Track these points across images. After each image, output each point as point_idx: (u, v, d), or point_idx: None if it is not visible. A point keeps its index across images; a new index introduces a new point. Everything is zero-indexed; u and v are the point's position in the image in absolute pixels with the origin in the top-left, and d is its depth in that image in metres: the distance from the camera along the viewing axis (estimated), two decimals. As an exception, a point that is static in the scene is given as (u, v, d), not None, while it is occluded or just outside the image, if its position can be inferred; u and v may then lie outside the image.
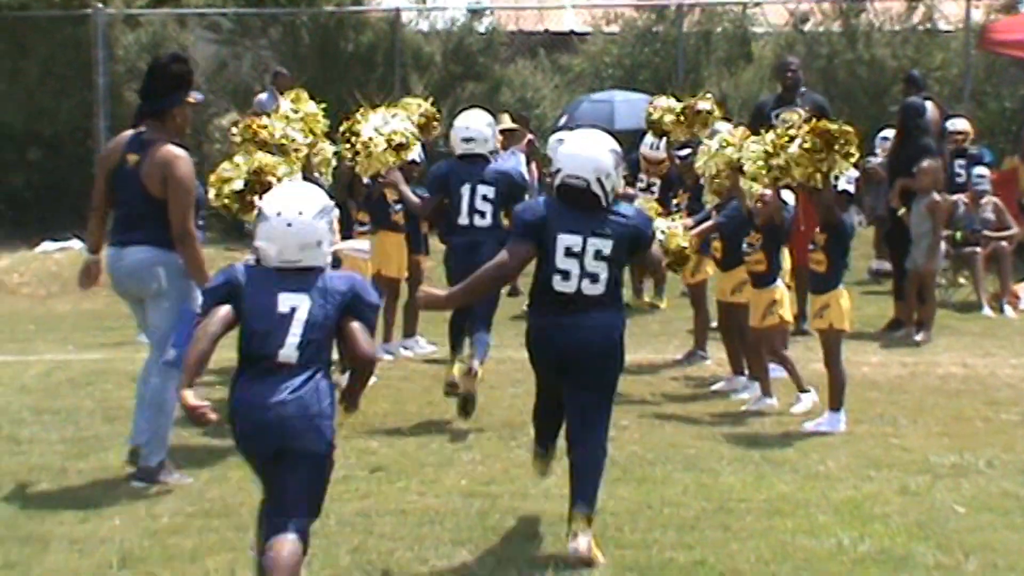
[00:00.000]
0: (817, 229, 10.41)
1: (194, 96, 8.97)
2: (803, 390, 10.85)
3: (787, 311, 10.96)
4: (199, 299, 8.19)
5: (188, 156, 8.63)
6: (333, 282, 6.06)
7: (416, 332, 13.74)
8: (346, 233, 11.94)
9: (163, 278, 8.59)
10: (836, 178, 10.22)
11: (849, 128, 9.95)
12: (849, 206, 10.92)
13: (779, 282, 10.98)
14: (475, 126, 10.93)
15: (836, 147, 9.82)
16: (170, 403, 8.48)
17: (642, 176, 15.59)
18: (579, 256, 7.03)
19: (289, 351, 5.92)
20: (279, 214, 5.98)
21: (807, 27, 23.26)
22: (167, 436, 8.69)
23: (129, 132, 8.81)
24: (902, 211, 14.76)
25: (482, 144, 10.89)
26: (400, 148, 10.96)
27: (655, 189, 16.00)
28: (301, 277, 6.00)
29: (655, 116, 12.79)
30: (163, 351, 8.55)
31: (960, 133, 17.03)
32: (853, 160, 10.07)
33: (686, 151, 12.91)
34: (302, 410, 5.89)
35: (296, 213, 5.98)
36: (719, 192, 11.32)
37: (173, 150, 8.57)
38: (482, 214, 10.64)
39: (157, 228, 8.55)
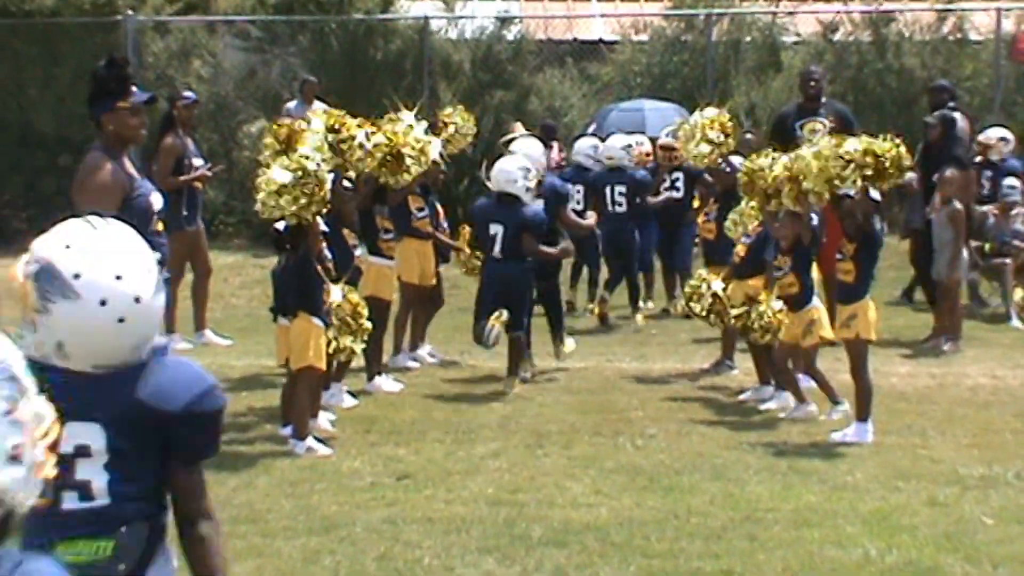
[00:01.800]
0: (844, 239, 10.39)
1: (129, 100, 8.09)
2: (836, 402, 10.83)
3: (827, 330, 10.88)
4: None
5: (107, 168, 7.92)
6: None
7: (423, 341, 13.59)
8: (371, 241, 11.94)
9: None
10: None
11: (900, 152, 10.06)
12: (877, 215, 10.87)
13: (815, 300, 10.97)
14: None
15: (889, 170, 9.99)
16: None
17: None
18: None
19: None
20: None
21: (837, 36, 23.20)
22: None
23: None
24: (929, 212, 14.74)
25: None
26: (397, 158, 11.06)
27: (679, 185, 16.14)
28: None
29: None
30: None
31: (981, 144, 16.97)
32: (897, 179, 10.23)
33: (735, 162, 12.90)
34: None
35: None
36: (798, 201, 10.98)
37: (88, 160, 8.08)
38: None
39: None
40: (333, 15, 23.02)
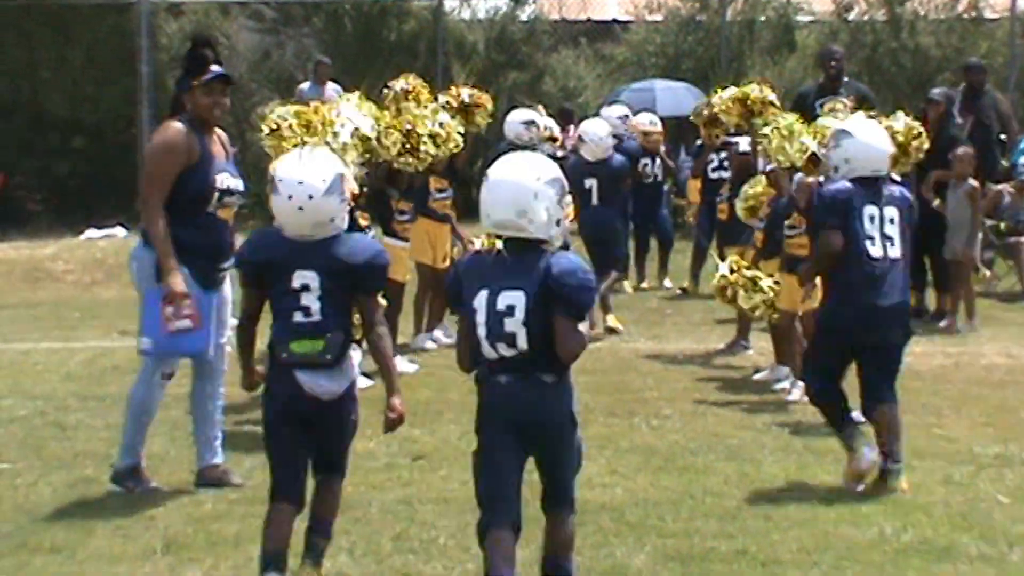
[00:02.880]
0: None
1: (202, 78, 8.13)
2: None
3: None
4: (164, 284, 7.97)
5: (177, 129, 8.08)
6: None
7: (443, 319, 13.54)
8: (386, 222, 11.93)
9: (134, 274, 8.20)
10: None
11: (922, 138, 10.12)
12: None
13: None
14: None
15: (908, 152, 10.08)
16: (138, 405, 8.25)
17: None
18: None
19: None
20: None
21: (851, 16, 23.16)
22: (134, 438, 8.31)
23: None
24: (936, 202, 14.61)
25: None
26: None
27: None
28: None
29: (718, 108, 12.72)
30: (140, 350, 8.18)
31: None
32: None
33: (741, 142, 12.87)
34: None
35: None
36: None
37: (164, 124, 8.25)
38: None
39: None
40: (347, -5, 23.04)
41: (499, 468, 5.95)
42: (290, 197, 6.13)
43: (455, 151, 11.51)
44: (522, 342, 5.77)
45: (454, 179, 13.24)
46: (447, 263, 13.08)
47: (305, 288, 6.19)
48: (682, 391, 11.14)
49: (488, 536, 5.90)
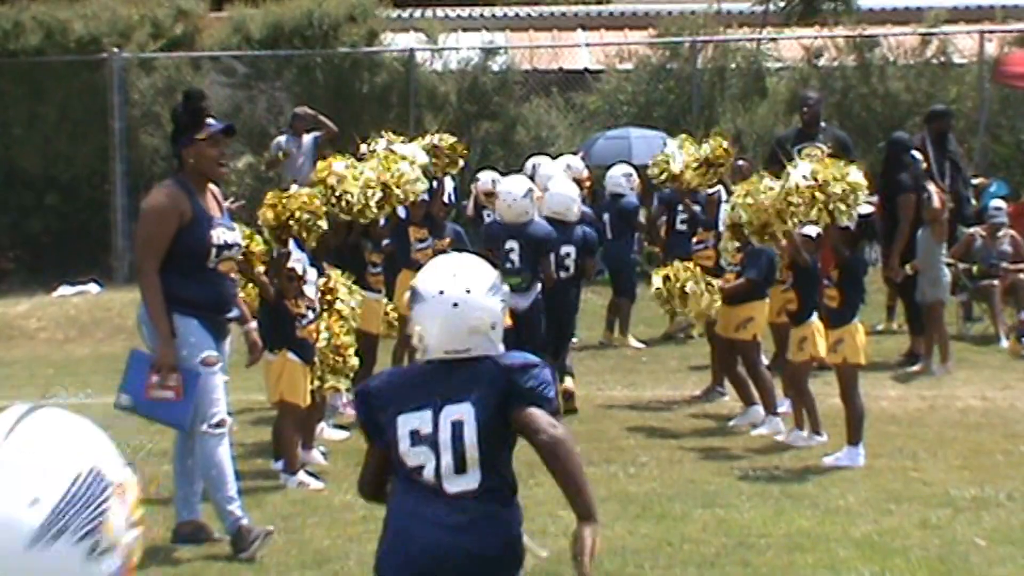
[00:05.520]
0: (831, 265, 10.44)
1: (206, 130, 8.24)
2: (816, 432, 10.93)
3: (820, 347, 10.89)
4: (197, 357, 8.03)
5: (166, 192, 8.14)
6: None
7: None
8: (359, 274, 11.92)
9: (147, 338, 8.15)
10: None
11: (856, 182, 10.13)
12: (865, 242, 10.98)
13: (813, 318, 10.99)
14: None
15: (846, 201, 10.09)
16: (215, 468, 8.15)
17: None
18: None
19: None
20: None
21: (821, 62, 23.28)
22: (189, 495, 8.36)
23: None
24: (907, 269, 14.50)
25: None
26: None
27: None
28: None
29: (675, 171, 12.77)
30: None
31: None
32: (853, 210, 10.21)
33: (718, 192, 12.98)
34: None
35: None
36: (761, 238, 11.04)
37: (158, 187, 8.32)
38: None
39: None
40: (318, 49, 23.07)
41: None
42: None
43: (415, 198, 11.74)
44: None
45: (433, 229, 13.30)
46: None
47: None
48: (658, 438, 11.15)
49: None
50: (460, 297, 4.58)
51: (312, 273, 10.13)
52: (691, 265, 12.25)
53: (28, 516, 2.42)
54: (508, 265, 11.84)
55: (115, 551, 2.51)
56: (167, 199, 8.09)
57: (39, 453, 2.50)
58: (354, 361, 10.41)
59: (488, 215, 15.34)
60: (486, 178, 16.18)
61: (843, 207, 10.07)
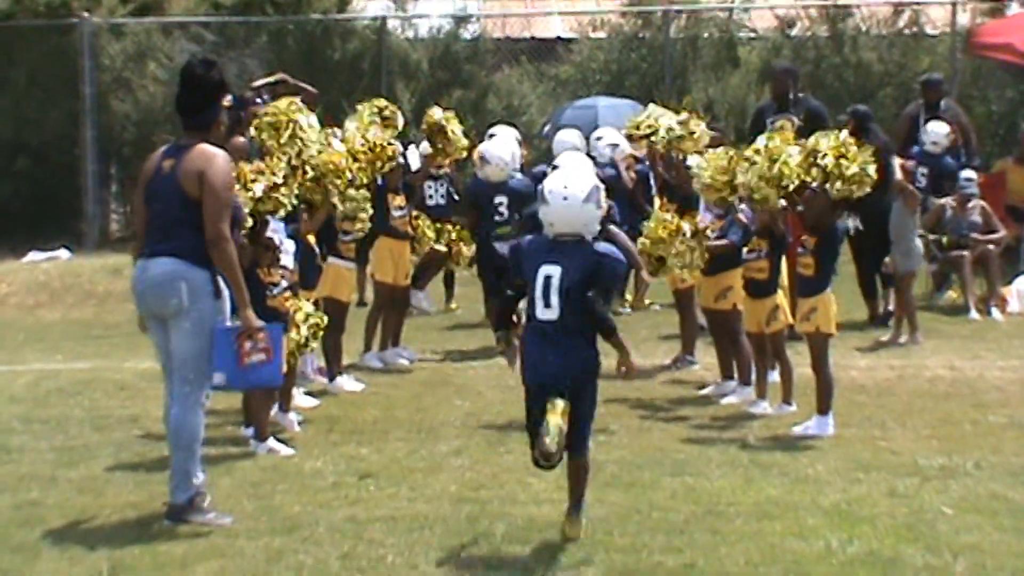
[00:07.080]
0: (804, 235, 10.45)
1: (227, 99, 8.45)
2: (786, 401, 10.95)
3: (789, 315, 10.99)
4: (228, 313, 8.13)
5: (226, 157, 8.15)
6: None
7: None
8: (330, 242, 11.88)
9: (184, 294, 7.93)
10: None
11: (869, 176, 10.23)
12: (842, 211, 10.97)
13: (777, 290, 11.04)
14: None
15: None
16: (192, 434, 8.00)
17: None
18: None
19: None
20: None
21: (794, 32, 23.29)
22: (191, 470, 8.02)
23: (166, 145, 8.36)
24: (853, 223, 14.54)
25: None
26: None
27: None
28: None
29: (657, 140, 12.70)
30: (184, 377, 8.01)
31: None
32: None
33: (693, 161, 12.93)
34: None
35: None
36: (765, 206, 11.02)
37: (210, 149, 8.08)
38: None
39: (190, 238, 7.94)
40: (289, 15, 22.99)
41: None
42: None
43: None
44: None
45: (411, 196, 13.32)
46: (408, 280, 13.21)
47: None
48: (628, 407, 11.16)
49: None
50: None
51: (289, 244, 10.14)
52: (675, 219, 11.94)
53: None
54: (498, 217, 13.44)
55: None
56: (230, 166, 8.23)
57: None
58: (317, 321, 10.20)
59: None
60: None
61: (842, 186, 10.17)
